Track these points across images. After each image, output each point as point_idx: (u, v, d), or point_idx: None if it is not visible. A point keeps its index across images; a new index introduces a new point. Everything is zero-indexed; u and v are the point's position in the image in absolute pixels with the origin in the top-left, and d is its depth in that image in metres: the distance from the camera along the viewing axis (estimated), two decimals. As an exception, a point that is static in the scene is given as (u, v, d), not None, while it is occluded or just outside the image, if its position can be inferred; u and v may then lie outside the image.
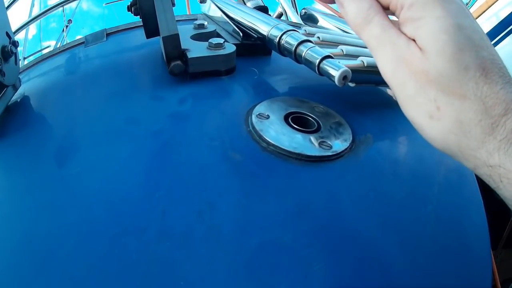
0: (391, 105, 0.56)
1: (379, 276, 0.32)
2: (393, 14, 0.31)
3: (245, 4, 0.80)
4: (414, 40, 0.28)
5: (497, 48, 2.27)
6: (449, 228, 0.38)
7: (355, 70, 0.43)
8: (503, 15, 2.19)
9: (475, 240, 0.39)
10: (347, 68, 0.40)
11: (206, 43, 0.52)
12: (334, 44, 0.51)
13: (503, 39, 2.17)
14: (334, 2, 0.34)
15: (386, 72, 0.30)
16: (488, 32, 2.29)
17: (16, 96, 0.57)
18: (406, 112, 0.30)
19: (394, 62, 0.29)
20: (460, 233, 0.39)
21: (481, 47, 0.27)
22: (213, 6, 0.71)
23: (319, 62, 0.42)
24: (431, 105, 0.27)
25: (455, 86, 0.26)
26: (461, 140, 0.27)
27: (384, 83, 0.53)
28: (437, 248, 0.36)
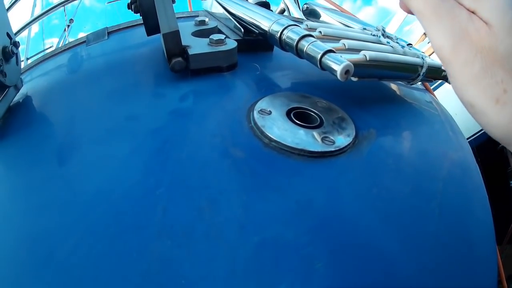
0: (394, 100, 0.56)
1: (382, 274, 0.32)
2: None
3: None
4: (474, 13, 0.26)
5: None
6: (453, 224, 0.38)
7: (357, 65, 0.42)
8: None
9: (480, 236, 0.39)
10: (349, 63, 0.39)
11: (207, 40, 0.52)
12: (336, 38, 0.51)
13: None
14: None
15: (444, 48, 0.27)
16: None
17: (18, 96, 0.57)
18: (465, 94, 0.27)
19: (456, 37, 0.26)
20: (465, 229, 0.39)
21: None
22: (214, 2, 0.71)
23: (321, 57, 0.41)
24: (498, 88, 0.25)
25: None
26: None
27: (387, 78, 0.53)
28: (442, 244, 0.36)
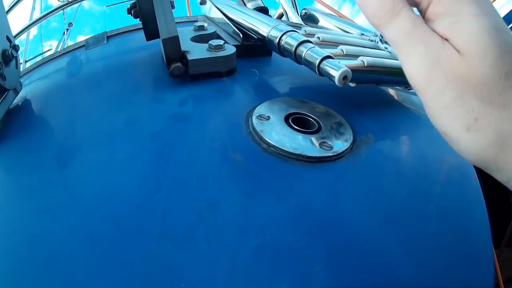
0: (392, 105, 0.56)
1: (381, 276, 0.32)
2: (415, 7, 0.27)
3: (245, 5, 0.80)
4: (447, 40, 0.25)
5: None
6: (450, 227, 0.38)
7: (355, 70, 0.43)
8: (503, 12, 2.19)
9: (477, 238, 0.39)
10: (347, 68, 0.40)
11: (206, 45, 0.52)
12: (334, 44, 0.51)
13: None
14: None
15: (417, 76, 0.26)
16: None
17: (17, 100, 0.57)
18: (438, 122, 0.27)
19: (428, 65, 0.25)
20: (462, 232, 0.39)
21: None
22: (213, 7, 0.71)
23: (319, 63, 0.42)
24: (469, 116, 0.24)
25: (495, 95, 0.24)
26: (498, 154, 0.25)
27: (385, 83, 0.53)
28: (439, 247, 0.36)
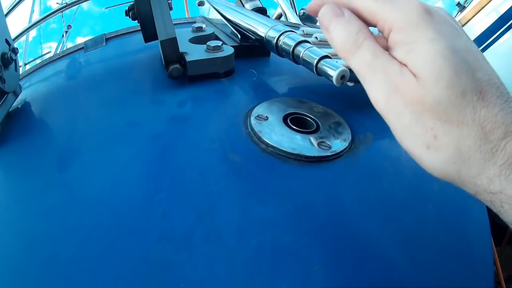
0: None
1: (380, 276, 0.32)
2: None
3: (243, 5, 0.81)
4: (406, 66, 0.27)
5: (497, 43, 2.27)
6: (450, 226, 0.38)
7: (353, 70, 0.43)
8: (502, 10, 2.19)
9: (477, 237, 0.39)
10: (345, 68, 0.40)
11: (205, 46, 0.52)
12: (332, 44, 0.51)
13: (503, 34, 2.17)
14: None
15: (378, 102, 0.28)
16: (488, 27, 2.29)
17: (17, 103, 0.57)
18: (402, 143, 0.28)
19: (387, 91, 0.27)
20: (462, 230, 0.39)
21: (476, 68, 0.25)
22: (211, 8, 0.71)
23: (317, 62, 0.42)
24: (428, 135, 0.26)
25: (452, 113, 0.25)
26: (460, 168, 0.26)
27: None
28: (438, 246, 0.36)
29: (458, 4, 2.96)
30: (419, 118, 0.26)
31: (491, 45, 2.28)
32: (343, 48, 0.29)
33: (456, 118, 0.25)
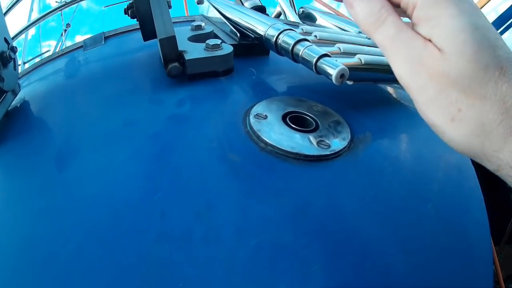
0: (389, 103, 0.56)
1: (379, 276, 0.32)
2: (404, 13, 0.30)
3: (242, 4, 0.80)
4: (430, 41, 0.28)
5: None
6: (449, 226, 0.38)
7: (352, 68, 0.43)
8: (501, 9, 2.19)
9: (476, 237, 0.39)
10: (344, 67, 0.40)
11: (204, 44, 0.52)
12: (332, 42, 0.51)
13: (502, 34, 2.17)
14: (341, 1, 0.33)
15: (403, 75, 0.29)
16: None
17: (15, 101, 0.57)
18: (425, 115, 0.29)
19: (412, 65, 0.28)
20: (461, 230, 0.39)
21: (497, 46, 0.26)
22: (211, 7, 0.71)
23: (316, 61, 0.42)
24: (453, 107, 0.27)
25: (476, 87, 0.26)
26: (484, 142, 0.26)
27: (382, 81, 0.53)
28: (438, 246, 0.36)
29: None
30: (443, 90, 0.27)
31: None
32: (367, 22, 0.30)
33: (479, 92, 0.26)
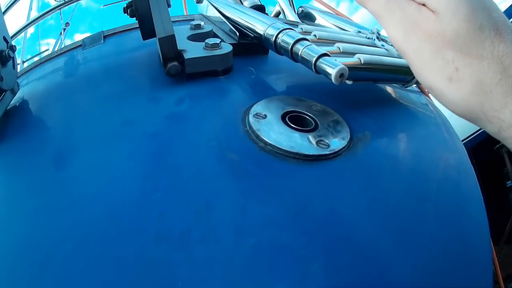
0: (389, 103, 0.56)
1: (378, 275, 0.32)
2: None
3: (241, 3, 0.80)
4: (424, 5, 0.28)
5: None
6: (448, 225, 0.38)
7: (352, 68, 0.43)
8: (503, 7, 2.19)
9: (475, 236, 0.39)
10: (344, 66, 0.39)
11: (203, 44, 0.52)
12: (331, 42, 0.51)
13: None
14: None
15: (398, 39, 0.30)
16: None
17: (14, 100, 0.57)
18: (422, 77, 0.30)
19: (406, 27, 0.29)
20: (460, 230, 0.39)
21: (491, 9, 0.27)
22: (210, 6, 0.71)
23: (316, 60, 0.41)
24: (450, 67, 0.27)
25: (471, 46, 0.26)
26: (483, 101, 0.27)
27: (382, 80, 0.53)
28: (437, 245, 0.36)
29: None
30: (439, 51, 0.27)
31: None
32: None
33: (476, 51, 0.26)
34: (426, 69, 0.29)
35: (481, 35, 0.26)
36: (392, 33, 0.30)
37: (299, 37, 0.45)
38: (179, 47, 0.50)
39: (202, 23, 0.61)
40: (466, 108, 0.28)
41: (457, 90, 0.27)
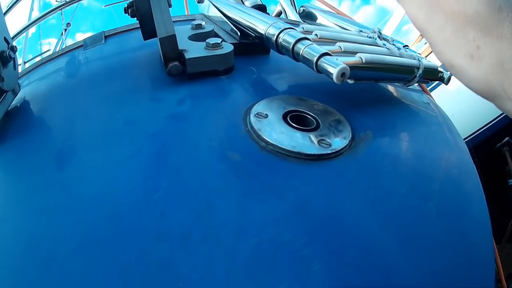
0: (390, 102, 0.56)
1: (380, 274, 0.32)
2: None
3: (243, 3, 0.80)
4: None
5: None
6: (450, 225, 0.38)
7: (353, 67, 0.43)
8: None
9: (477, 235, 0.39)
10: (345, 65, 0.39)
11: (204, 43, 0.52)
12: (332, 41, 0.51)
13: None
14: None
15: (419, 19, 0.31)
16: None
17: (15, 101, 0.57)
18: (444, 56, 0.30)
19: (427, 8, 0.30)
20: (462, 229, 0.39)
21: None
22: (211, 6, 0.71)
23: (317, 60, 0.41)
24: (471, 45, 0.28)
25: (492, 26, 0.27)
26: (504, 79, 0.27)
27: (383, 80, 0.53)
28: (439, 245, 0.36)
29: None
30: (460, 30, 0.28)
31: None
32: None
33: (496, 30, 0.27)
34: (447, 47, 0.30)
35: (500, 15, 0.27)
36: (413, 13, 0.31)
37: (300, 37, 0.45)
38: (180, 47, 0.50)
39: (203, 23, 0.61)
40: (487, 85, 0.29)
41: (478, 68, 0.28)
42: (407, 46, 0.60)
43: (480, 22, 0.27)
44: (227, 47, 0.52)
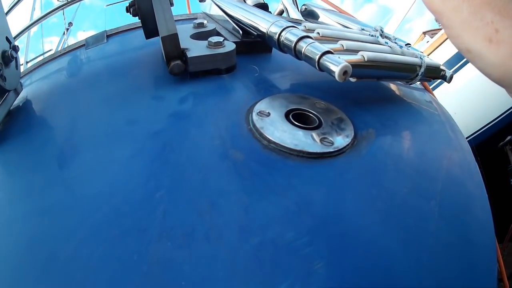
0: (393, 100, 0.56)
1: (382, 274, 0.32)
2: None
3: (245, 1, 0.80)
4: None
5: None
6: (452, 224, 0.38)
7: (355, 65, 0.43)
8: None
9: (480, 235, 0.39)
10: (347, 63, 0.39)
11: (206, 42, 0.52)
12: (334, 39, 0.51)
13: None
14: None
15: (434, 0, 0.30)
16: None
17: (18, 100, 0.57)
18: (461, 39, 0.29)
19: None
20: (464, 228, 0.39)
21: None
22: (213, 4, 0.71)
23: (319, 58, 0.41)
24: (489, 28, 0.27)
25: (510, 8, 0.26)
26: None
27: (385, 78, 0.53)
28: (441, 244, 0.36)
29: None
30: (478, 11, 0.27)
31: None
32: None
33: None
34: (464, 29, 0.28)
35: None
36: None
37: (302, 35, 0.45)
38: (182, 45, 0.50)
39: (205, 22, 0.61)
40: (505, 70, 0.28)
41: (497, 52, 0.27)
42: (409, 44, 0.60)
43: (498, 3, 0.26)
44: (229, 46, 0.52)
